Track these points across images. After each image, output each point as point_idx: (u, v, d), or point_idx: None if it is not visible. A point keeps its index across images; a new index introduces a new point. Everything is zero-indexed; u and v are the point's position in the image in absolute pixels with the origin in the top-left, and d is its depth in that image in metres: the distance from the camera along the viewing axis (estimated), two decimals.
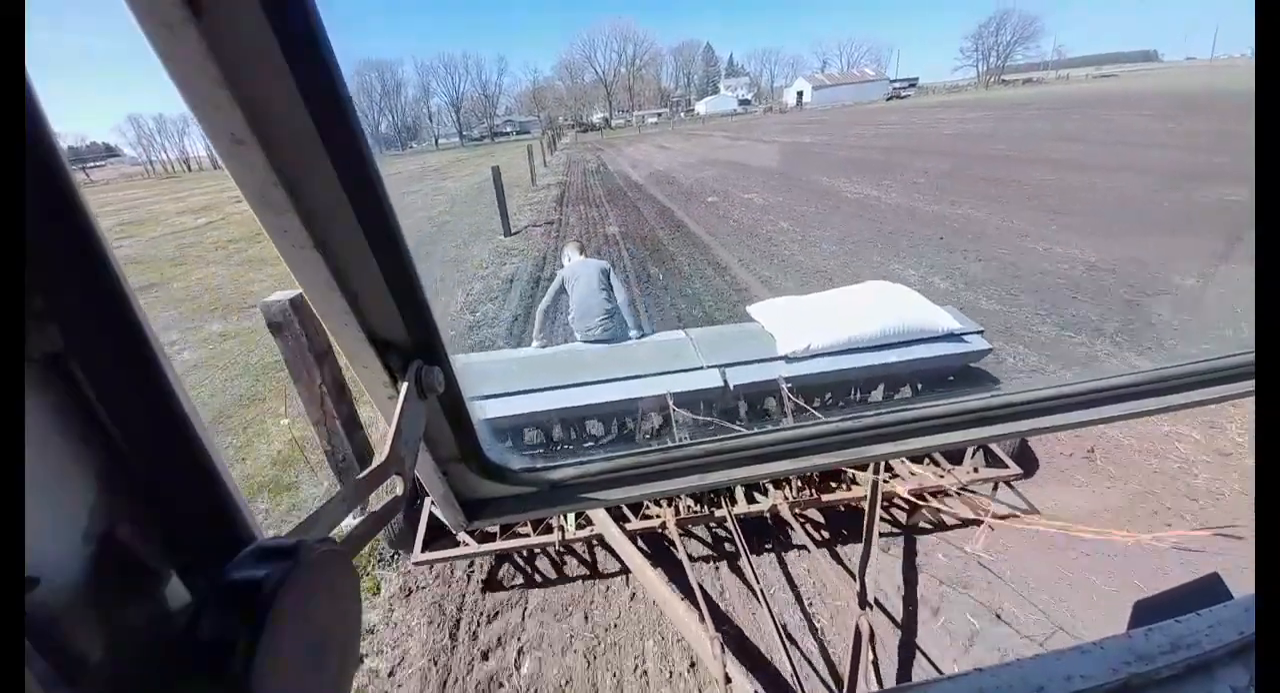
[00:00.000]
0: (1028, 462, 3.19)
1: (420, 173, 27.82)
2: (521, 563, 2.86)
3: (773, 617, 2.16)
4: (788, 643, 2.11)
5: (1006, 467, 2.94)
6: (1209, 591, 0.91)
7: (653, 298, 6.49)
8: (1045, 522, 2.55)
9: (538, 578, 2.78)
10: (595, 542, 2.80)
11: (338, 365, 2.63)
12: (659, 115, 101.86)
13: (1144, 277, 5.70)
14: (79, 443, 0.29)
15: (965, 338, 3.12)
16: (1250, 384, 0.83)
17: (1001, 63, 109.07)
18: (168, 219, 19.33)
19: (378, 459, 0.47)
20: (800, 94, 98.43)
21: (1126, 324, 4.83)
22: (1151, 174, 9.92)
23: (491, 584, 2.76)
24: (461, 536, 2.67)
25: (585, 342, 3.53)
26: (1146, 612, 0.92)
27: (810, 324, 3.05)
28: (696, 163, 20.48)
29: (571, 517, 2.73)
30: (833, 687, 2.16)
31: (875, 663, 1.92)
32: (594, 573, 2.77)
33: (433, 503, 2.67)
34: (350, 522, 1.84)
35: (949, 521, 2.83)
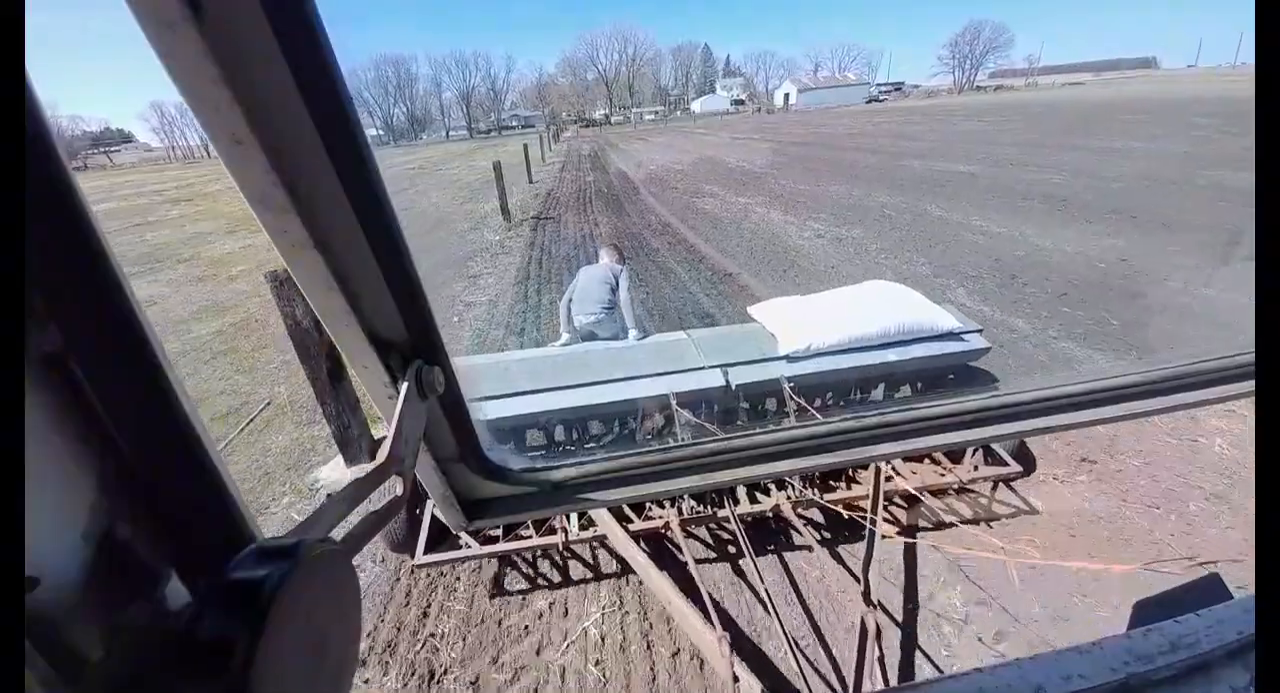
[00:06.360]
0: (1027, 460, 3.18)
1: (451, 157, 37.13)
2: (523, 565, 2.85)
3: (777, 617, 2.16)
4: (793, 643, 2.10)
5: (1006, 465, 2.93)
6: (1209, 591, 0.91)
7: (604, 198, 13.78)
8: (1039, 556, 2.49)
9: (540, 582, 2.77)
10: (597, 543, 2.79)
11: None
12: (655, 113, 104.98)
13: (805, 190, 12.25)
14: (79, 443, 0.29)
15: (964, 337, 3.11)
16: (1250, 384, 0.83)
17: (974, 70, 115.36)
18: None
19: (378, 459, 0.47)
20: (787, 96, 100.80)
21: (773, 198, 11.42)
22: (889, 154, 17.26)
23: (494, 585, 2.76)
24: (464, 538, 2.67)
25: (581, 327, 3.61)
26: (1146, 611, 0.92)
27: (811, 324, 3.04)
28: (662, 150, 28.14)
29: (574, 519, 2.72)
30: (837, 686, 2.16)
31: (881, 659, 1.92)
32: (599, 575, 2.76)
33: (434, 505, 2.67)
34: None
35: (949, 520, 2.83)
